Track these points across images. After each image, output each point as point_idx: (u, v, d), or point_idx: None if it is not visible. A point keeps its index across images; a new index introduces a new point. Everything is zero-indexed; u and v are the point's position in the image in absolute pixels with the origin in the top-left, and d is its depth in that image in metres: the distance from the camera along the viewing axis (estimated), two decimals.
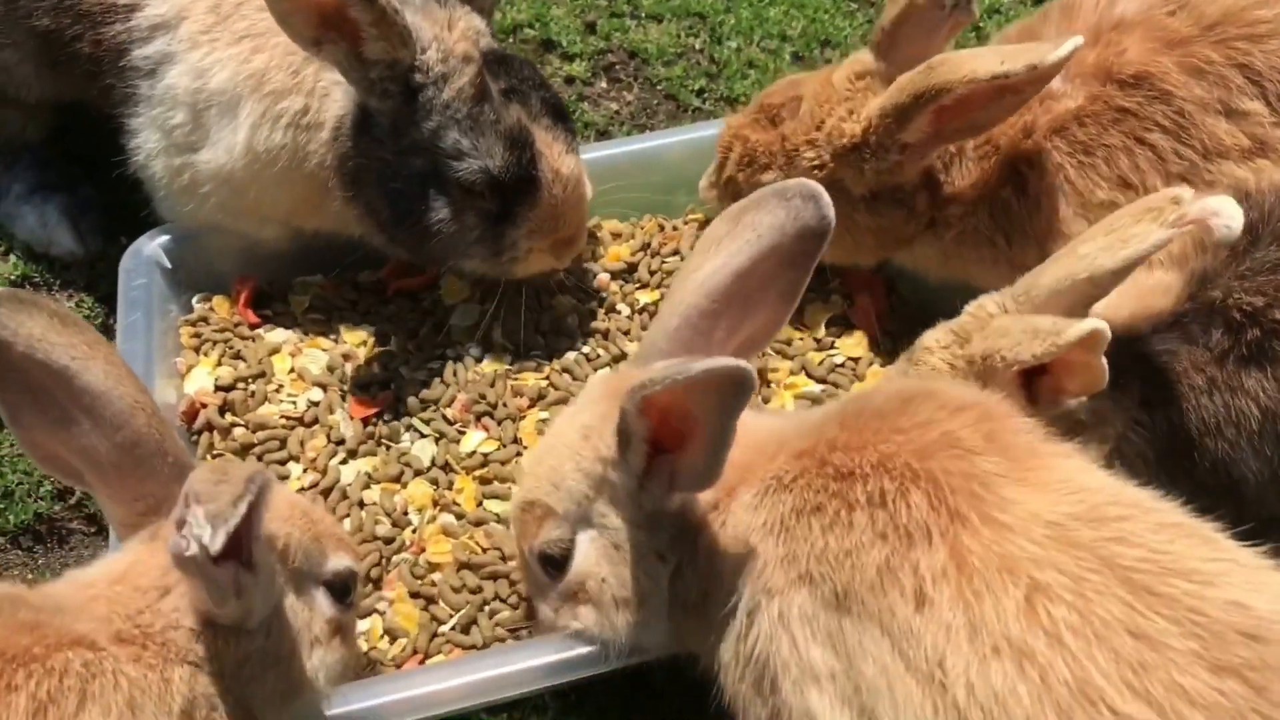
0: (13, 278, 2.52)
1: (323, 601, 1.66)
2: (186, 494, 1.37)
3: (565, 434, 1.68)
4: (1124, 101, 1.98)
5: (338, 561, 1.68)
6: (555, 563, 1.69)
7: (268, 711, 1.59)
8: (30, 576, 2.12)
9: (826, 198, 1.59)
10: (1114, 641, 1.24)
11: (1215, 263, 1.73)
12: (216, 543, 1.31)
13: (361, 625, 1.94)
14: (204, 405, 2.16)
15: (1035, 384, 1.64)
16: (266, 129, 2.10)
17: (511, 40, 3.07)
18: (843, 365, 2.28)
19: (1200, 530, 1.38)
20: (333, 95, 2.09)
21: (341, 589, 1.69)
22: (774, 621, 1.45)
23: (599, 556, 1.66)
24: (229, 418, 2.16)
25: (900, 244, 2.22)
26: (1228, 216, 1.55)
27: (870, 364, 2.28)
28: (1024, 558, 1.31)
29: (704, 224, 2.54)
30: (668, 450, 1.51)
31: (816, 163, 2.14)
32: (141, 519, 1.55)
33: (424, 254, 2.20)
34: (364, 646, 1.92)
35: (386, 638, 1.93)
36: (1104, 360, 1.56)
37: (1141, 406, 1.74)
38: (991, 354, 1.60)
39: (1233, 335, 1.70)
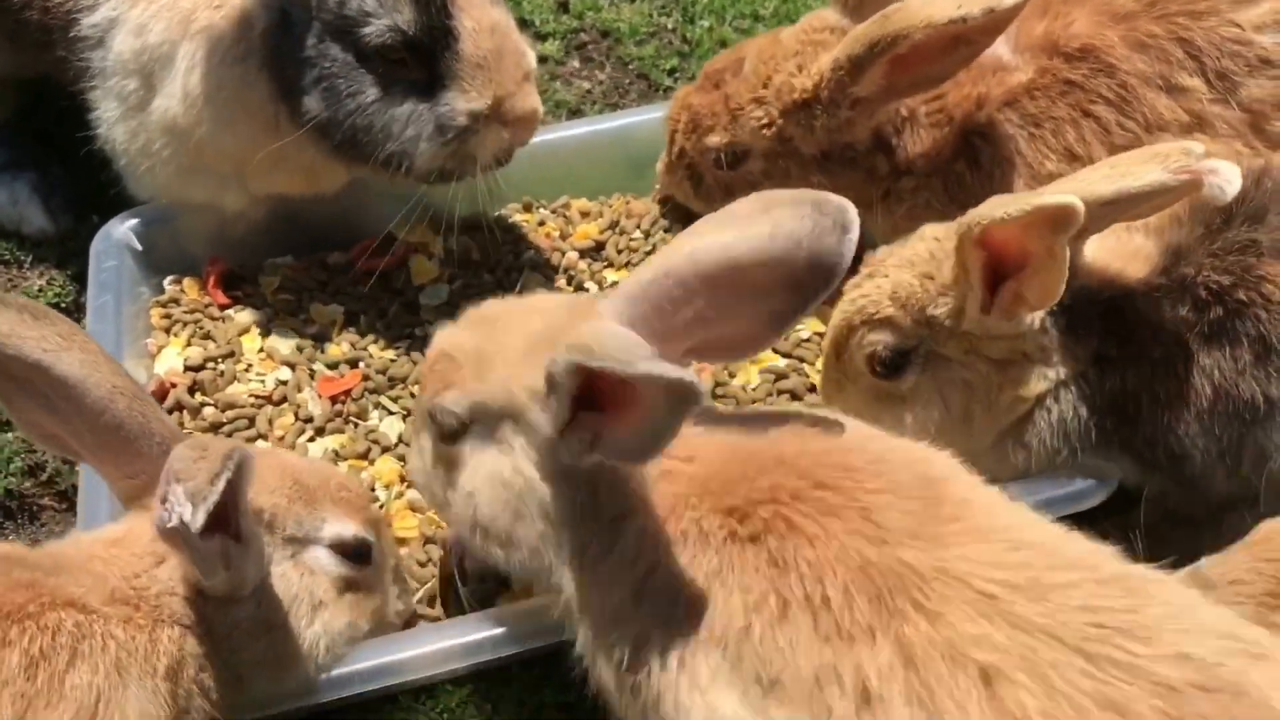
0: None
1: (328, 562, 1.67)
2: (167, 470, 1.40)
3: (512, 331, 1.53)
4: (1070, 74, 2.01)
5: (341, 527, 1.68)
6: (443, 433, 1.56)
7: (256, 679, 1.64)
8: None
9: (854, 236, 1.40)
10: (1091, 717, 1.18)
11: (1190, 238, 1.75)
12: (198, 519, 1.36)
13: None
14: (174, 385, 2.18)
15: (998, 293, 1.66)
16: (200, 68, 2.06)
17: None
18: (809, 340, 2.30)
19: (1135, 577, 1.32)
20: (255, 14, 2.04)
21: (355, 553, 1.69)
22: (676, 667, 1.36)
23: (481, 469, 1.52)
24: (198, 397, 2.18)
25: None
26: (1224, 179, 1.54)
27: None
28: (967, 640, 1.23)
29: (667, 200, 2.56)
30: (598, 408, 1.35)
31: (765, 121, 2.14)
32: (141, 491, 1.60)
33: (366, 151, 2.07)
34: None
35: None
36: (1065, 264, 1.55)
37: (1094, 362, 1.75)
38: (969, 220, 1.59)
39: (1198, 312, 1.72)
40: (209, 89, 2.08)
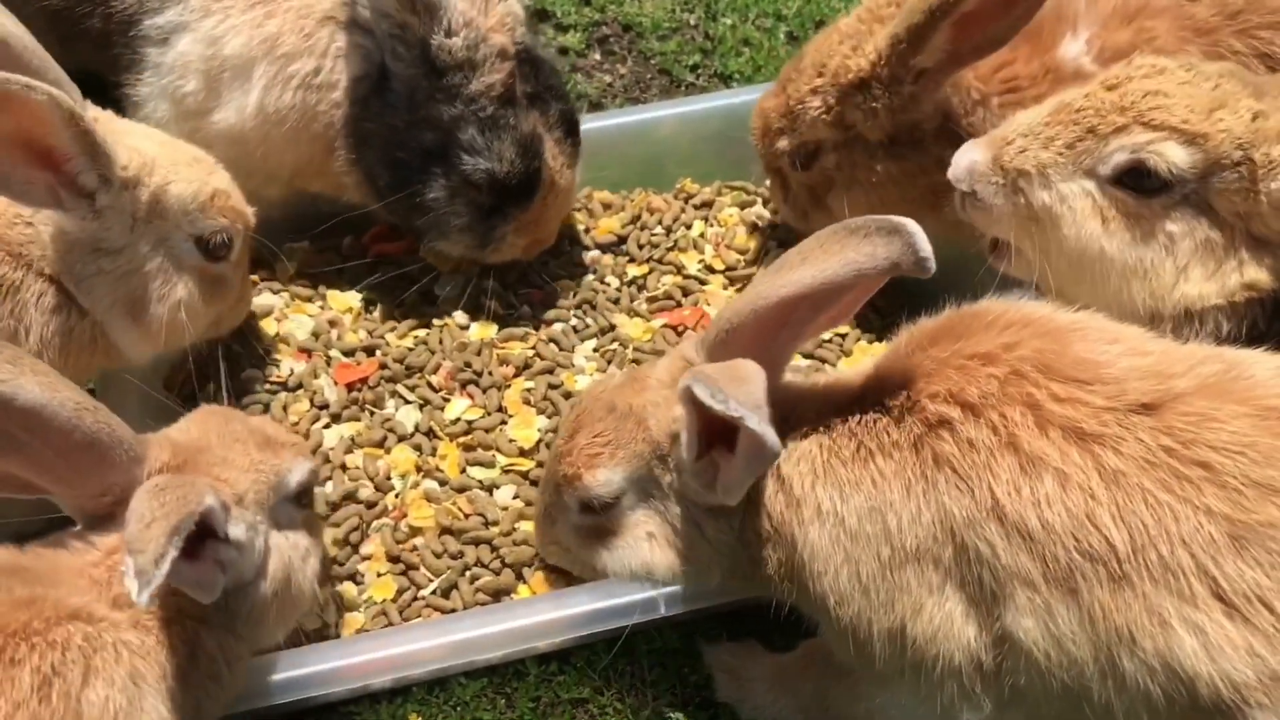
0: None
1: (296, 517, 1.67)
2: (125, 530, 1.35)
3: (633, 388, 1.61)
4: None
5: (299, 472, 1.67)
6: (594, 507, 1.64)
7: (270, 637, 1.66)
8: None
9: (904, 238, 1.40)
10: None
11: None
12: (143, 599, 1.29)
13: (342, 589, 1.94)
14: (191, 371, 2.15)
15: None
16: (278, 90, 2.11)
17: None
18: (830, 340, 2.28)
19: None
20: (350, 57, 2.10)
21: (305, 495, 1.71)
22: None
23: (649, 515, 1.63)
24: (211, 388, 2.15)
25: (929, 200, 2.08)
26: None
27: (857, 340, 2.27)
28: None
29: (690, 197, 2.54)
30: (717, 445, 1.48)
31: (822, 109, 2.09)
32: (113, 507, 1.51)
33: (411, 225, 2.24)
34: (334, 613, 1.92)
35: (366, 601, 1.92)
36: None
37: None
38: None
39: None
40: (282, 110, 2.12)
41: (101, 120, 1.85)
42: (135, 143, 1.84)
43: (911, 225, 1.38)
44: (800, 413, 1.52)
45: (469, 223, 2.17)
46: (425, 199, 2.13)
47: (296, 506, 1.68)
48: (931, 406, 1.43)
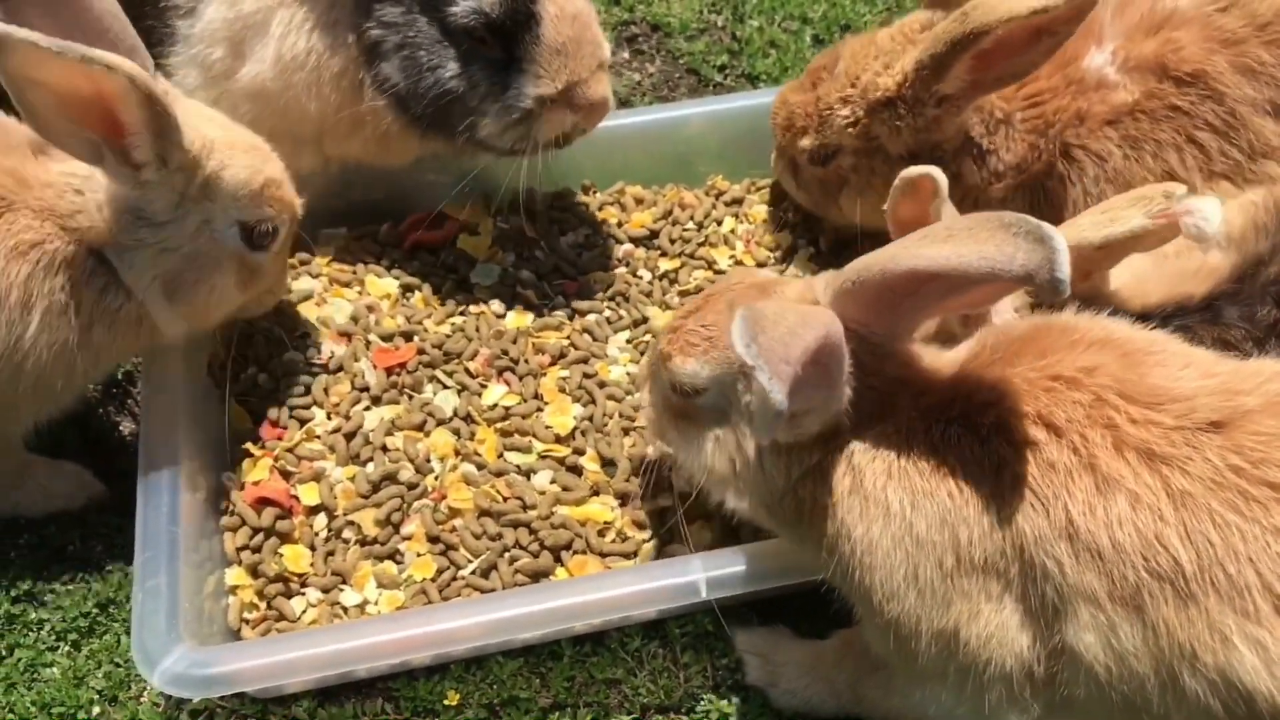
0: None
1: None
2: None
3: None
4: (1178, 100, 2.00)
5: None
6: (684, 392, 1.66)
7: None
8: None
9: (1051, 252, 1.29)
10: None
11: (1271, 245, 1.76)
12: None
13: (383, 568, 1.98)
14: (231, 354, 2.19)
15: None
16: (293, 36, 2.10)
17: None
18: None
19: None
20: None
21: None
22: None
23: (722, 420, 1.63)
24: (253, 370, 2.19)
25: None
26: (1200, 216, 1.60)
27: None
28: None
29: (721, 194, 2.59)
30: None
31: (850, 120, 2.14)
32: None
33: (441, 123, 2.15)
34: (377, 592, 1.96)
35: (406, 580, 1.96)
36: None
37: None
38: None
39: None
40: (299, 55, 2.11)
41: (169, 94, 1.89)
42: (197, 124, 1.88)
43: (1060, 241, 1.29)
44: (892, 403, 1.51)
45: (489, 87, 2.08)
46: (443, 83, 2.08)
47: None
48: (1019, 428, 1.43)
